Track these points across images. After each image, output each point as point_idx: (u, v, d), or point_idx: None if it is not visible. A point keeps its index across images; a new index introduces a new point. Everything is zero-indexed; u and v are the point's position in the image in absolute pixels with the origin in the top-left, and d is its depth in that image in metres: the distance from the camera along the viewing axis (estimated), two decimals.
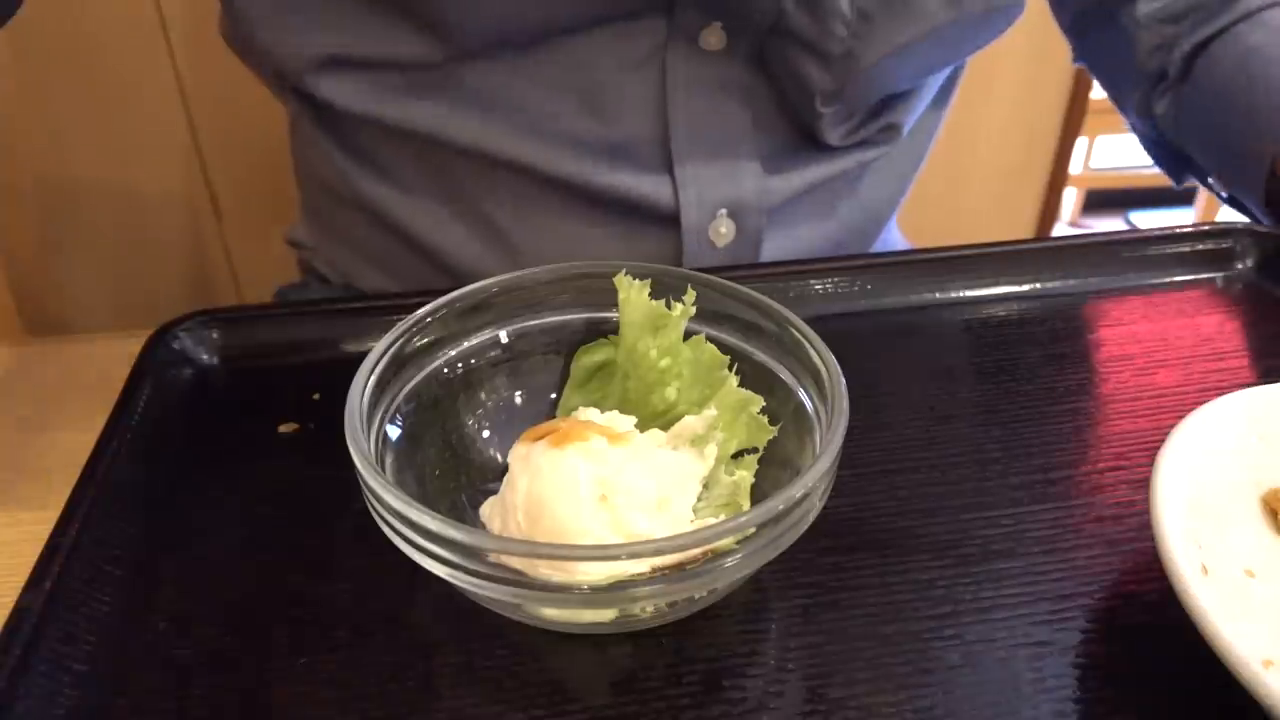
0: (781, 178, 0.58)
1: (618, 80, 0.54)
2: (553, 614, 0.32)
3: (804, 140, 0.58)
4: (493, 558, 0.29)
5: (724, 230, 0.57)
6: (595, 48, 0.53)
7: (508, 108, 0.55)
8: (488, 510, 0.36)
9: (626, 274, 0.39)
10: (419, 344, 0.38)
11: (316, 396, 0.45)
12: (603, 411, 0.38)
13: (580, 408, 0.39)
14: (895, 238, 0.80)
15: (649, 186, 0.56)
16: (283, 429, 0.44)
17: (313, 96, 0.58)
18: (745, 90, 0.55)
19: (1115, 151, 2.25)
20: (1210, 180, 0.67)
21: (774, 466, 0.37)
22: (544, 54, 0.53)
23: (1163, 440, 0.35)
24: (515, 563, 0.29)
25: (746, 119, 0.56)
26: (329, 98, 0.56)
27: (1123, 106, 0.72)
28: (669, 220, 0.57)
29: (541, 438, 0.35)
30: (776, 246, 0.61)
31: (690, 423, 0.37)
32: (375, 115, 0.56)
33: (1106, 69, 0.73)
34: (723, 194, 0.57)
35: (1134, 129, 0.73)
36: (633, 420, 0.37)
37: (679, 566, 0.29)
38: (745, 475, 0.36)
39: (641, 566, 0.29)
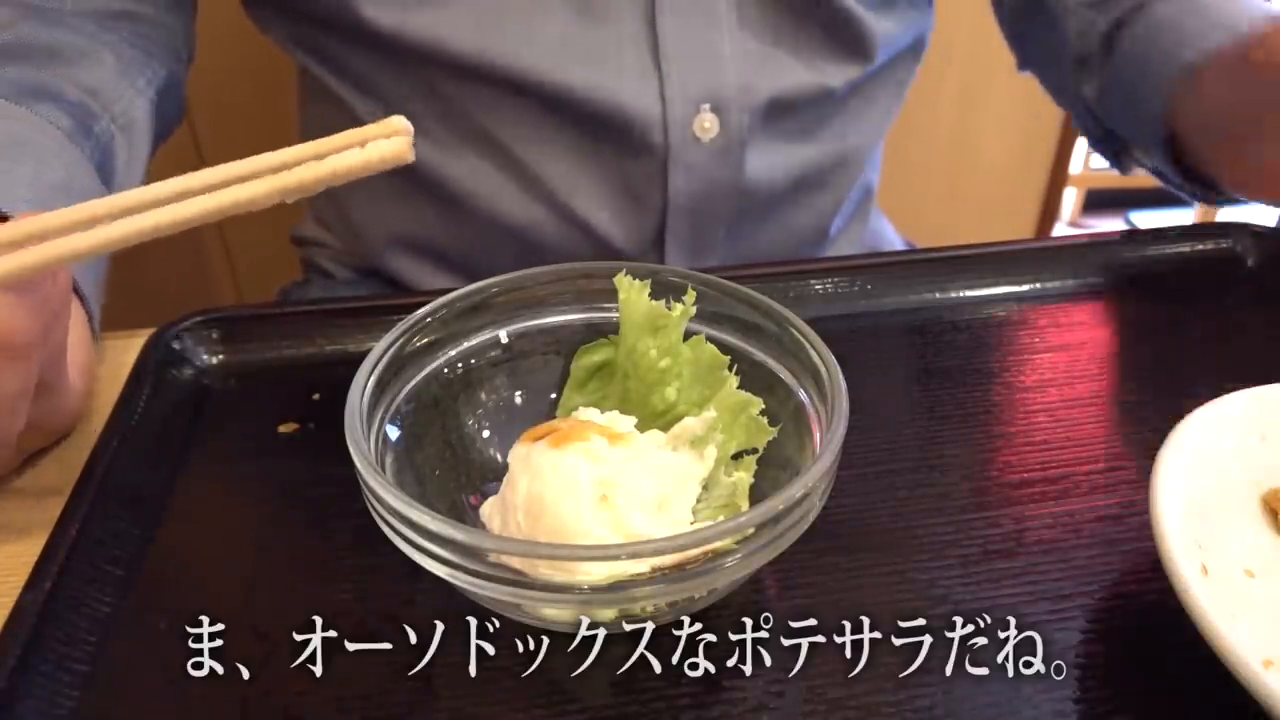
0: (763, 78, 0.60)
1: None
2: (553, 614, 0.32)
3: (784, 40, 0.60)
4: (493, 558, 0.29)
5: (708, 125, 0.59)
6: None
7: (501, 13, 0.56)
8: (488, 510, 0.36)
9: (627, 274, 0.39)
10: (419, 344, 0.38)
11: (316, 396, 0.45)
12: (603, 411, 0.38)
13: (580, 408, 0.39)
14: (887, 229, 0.80)
15: (636, 85, 0.58)
16: (283, 429, 0.44)
17: (327, 31, 0.60)
18: None
19: None
20: (1137, 156, 0.68)
21: (773, 467, 0.37)
22: None
23: (1163, 440, 0.35)
24: (515, 563, 0.29)
25: (731, 8, 0.58)
26: (357, 5, 0.57)
27: (1065, 102, 0.73)
28: (655, 122, 0.59)
29: (541, 438, 0.35)
30: (763, 160, 0.63)
31: (690, 424, 0.37)
32: (385, 25, 0.57)
33: (1045, 64, 0.74)
34: (706, 87, 0.59)
35: (1078, 122, 0.73)
36: (633, 420, 0.37)
37: (679, 567, 0.29)
38: (744, 476, 0.36)
39: (641, 566, 0.29)
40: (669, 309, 0.38)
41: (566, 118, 0.59)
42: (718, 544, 0.29)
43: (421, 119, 0.61)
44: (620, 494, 0.33)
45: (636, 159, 0.60)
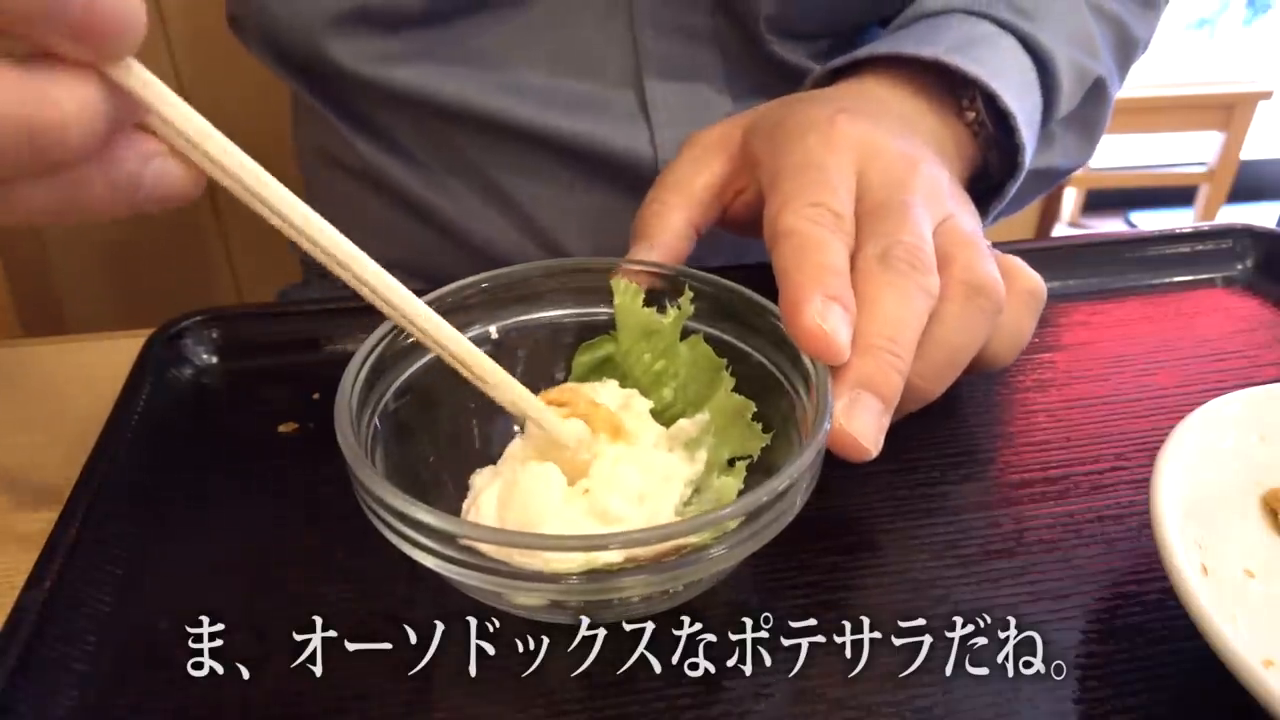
0: None
1: (589, 32, 0.56)
2: (531, 602, 0.32)
3: (772, 84, 0.59)
4: (464, 542, 0.29)
5: None
6: (566, 1, 0.55)
7: (486, 66, 0.57)
8: (479, 480, 0.36)
9: (622, 277, 0.39)
10: (409, 340, 0.37)
11: (316, 396, 0.45)
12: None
13: (604, 379, 0.39)
14: None
15: (627, 137, 0.58)
16: (283, 429, 0.44)
17: (313, 69, 0.59)
18: (712, 32, 0.57)
19: (1115, 151, 2.25)
20: None
21: (764, 473, 0.36)
22: (521, 10, 0.55)
23: (1163, 440, 0.35)
24: (490, 550, 0.29)
25: (716, 59, 0.58)
26: (337, 58, 0.57)
27: None
28: (648, 168, 0.58)
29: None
30: None
31: (685, 425, 0.37)
32: (371, 76, 0.57)
33: None
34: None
35: None
36: (649, 405, 0.37)
37: (659, 557, 0.29)
38: (733, 481, 0.36)
39: (617, 556, 0.29)
40: (665, 311, 0.38)
41: (556, 157, 0.59)
42: (694, 538, 0.29)
43: (411, 149, 0.61)
44: (600, 484, 0.33)
45: (628, 198, 0.59)
